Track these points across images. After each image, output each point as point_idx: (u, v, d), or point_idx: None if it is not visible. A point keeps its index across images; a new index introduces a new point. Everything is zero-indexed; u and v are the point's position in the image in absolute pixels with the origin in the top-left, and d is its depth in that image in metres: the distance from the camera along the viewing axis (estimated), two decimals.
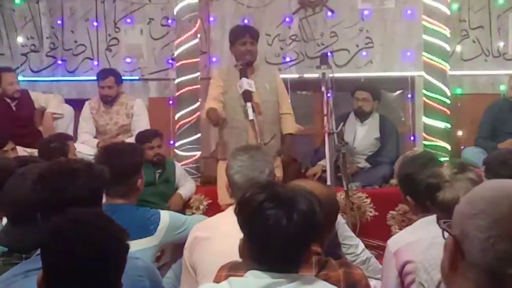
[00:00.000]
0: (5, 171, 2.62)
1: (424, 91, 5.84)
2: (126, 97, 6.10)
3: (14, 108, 6.00)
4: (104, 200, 3.00)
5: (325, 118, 4.68)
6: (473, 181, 2.41)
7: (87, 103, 6.11)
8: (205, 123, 5.59)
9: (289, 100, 5.49)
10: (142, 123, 5.93)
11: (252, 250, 1.90)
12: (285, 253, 1.85)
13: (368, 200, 5.27)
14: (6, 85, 5.93)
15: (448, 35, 5.82)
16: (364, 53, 6.46)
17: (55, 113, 6.09)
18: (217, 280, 2.15)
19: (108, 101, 5.96)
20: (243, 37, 5.16)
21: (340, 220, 3.48)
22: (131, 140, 5.56)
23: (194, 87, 5.91)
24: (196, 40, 5.96)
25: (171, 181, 5.32)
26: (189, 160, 5.82)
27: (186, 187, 5.39)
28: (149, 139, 5.25)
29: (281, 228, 1.82)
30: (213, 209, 4.97)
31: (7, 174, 2.46)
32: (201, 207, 5.38)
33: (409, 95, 6.47)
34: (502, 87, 6.14)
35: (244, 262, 1.97)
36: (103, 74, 6.01)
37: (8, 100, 5.99)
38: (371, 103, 5.80)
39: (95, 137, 6.00)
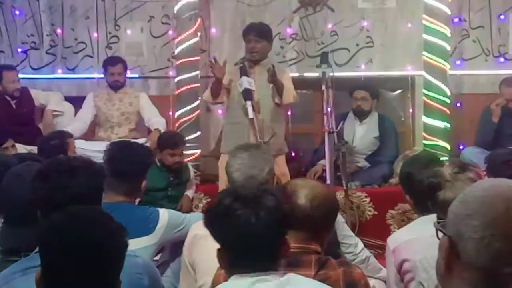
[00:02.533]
0: (4, 168, 2.62)
1: (424, 91, 5.84)
2: (131, 89, 6.20)
3: (14, 106, 6.00)
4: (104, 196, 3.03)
5: (325, 117, 4.67)
6: (473, 181, 2.41)
7: (91, 93, 6.18)
8: (205, 121, 5.60)
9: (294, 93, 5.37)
10: (152, 112, 5.98)
11: (230, 257, 1.90)
12: (259, 251, 1.86)
13: (368, 199, 5.28)
14: (7, 83, 5.94)
15: (449, 35, 5.82)
16: (364, 52, 6.45)
17: (55, 111, 6.09)
18: (216, 278, 2.15)
19: (118, 86, 6.03)
20: (248, 35, 5.20)
21: (340, 219, 3.49)
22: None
23: (194, 85, 5.91)
24: (196, 39, 5.96)
25: (182, 184, 5.29)
26: (188, 159, 5.81)
27: (192, 187, 5.40)
28: (172, 146, 5.03)
29: (251, 226, 1.84)
30: None
31: (7, 171, 2.45)
32: (201, 205, 5.38)
33: (409, 95, 6.47)
34: None
35: (225, 271, 1.96)
36: (113, 60, 6.10)
37: (8, 98, 5.99)
38: (370, 102, 5.80)
39: (96, 126, 6.07)
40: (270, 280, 1.83)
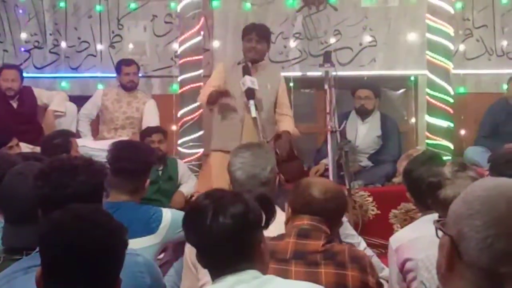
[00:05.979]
0: (8, 166, 2.62)
1: (427, 90, 5.84)
2: (141, 93, 6.19)
3: (14, 105, 5.97)
4: (109, 195, 3.04)
5: (328, 116, 4.67)
6: (474, 179, 2.41)
7: (100, 90, 6.19)
8: (207, 120, 5.59)
9: (289, 104, 5.43)
10: (151, 120, 5.98)
11: (203, 260, 1.93)
12: (223, 253, 1.86)
13: (370, 199, 5.27)
14: (2, 81, 5.89)
15: (452, 34, 5.81)
16: (367, 51, 6.45)
17: (56, 111, 6.07)
18: None
19: (132, 87, 6.05)
20: (249, 34, 5.19)
21: (343, 218, 3.49)
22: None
23: (197, 84, 5.91)
24: (199, 38, 5.96)
25: (174, 179, 5.35)
26: (191, 157, 5.82)
27: (188, 184, 5.41)
28: (150, 133, 5.35)
29: (209, 231, 1.84)
30: None
31: None
32: None
33: (412, 94, 6.47)
34: (505, 87, 6.13)
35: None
36: (127, 61, 6.15)
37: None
38: (373, 101, 5.79)
39: (100, 125, 6.10)
40: (247, 281, 1.82)
